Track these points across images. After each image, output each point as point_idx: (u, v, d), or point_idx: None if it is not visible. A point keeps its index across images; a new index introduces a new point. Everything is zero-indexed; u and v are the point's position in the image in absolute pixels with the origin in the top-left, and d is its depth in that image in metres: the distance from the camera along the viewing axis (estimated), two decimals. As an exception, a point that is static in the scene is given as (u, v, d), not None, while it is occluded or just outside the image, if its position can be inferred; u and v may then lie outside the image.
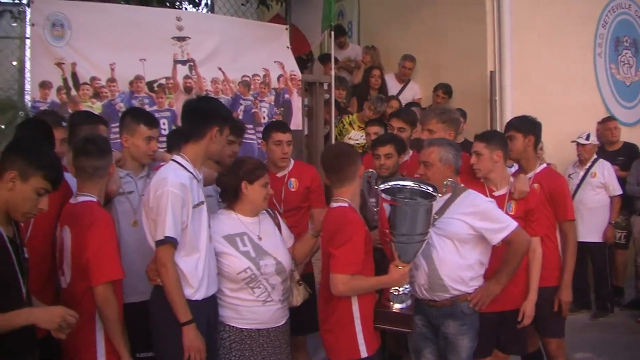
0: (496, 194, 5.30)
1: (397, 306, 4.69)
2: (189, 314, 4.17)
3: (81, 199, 4.31)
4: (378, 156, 6.25)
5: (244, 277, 4.55)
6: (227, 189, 4.79)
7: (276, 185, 5.79)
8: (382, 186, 4.61)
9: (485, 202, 4.93)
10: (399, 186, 4.73)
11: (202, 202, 4.38)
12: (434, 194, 4.60)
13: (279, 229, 4.94)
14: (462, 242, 4.83)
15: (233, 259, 4.56)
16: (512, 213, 5.22)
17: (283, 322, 4.78)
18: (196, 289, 4.29)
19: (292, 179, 5.96)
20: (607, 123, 9.45)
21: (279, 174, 5.93)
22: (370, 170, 4.86)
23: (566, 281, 5.63)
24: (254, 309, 4.60)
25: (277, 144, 5.84)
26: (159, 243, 4.16)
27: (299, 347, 5.87)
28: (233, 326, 4.58)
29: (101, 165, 4.36)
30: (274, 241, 4.77)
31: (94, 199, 4.33)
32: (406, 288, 4.74)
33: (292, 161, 6.08)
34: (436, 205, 4.79)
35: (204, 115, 4.44)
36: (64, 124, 5.20)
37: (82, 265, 4.11)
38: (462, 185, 5.01)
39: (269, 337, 4.67)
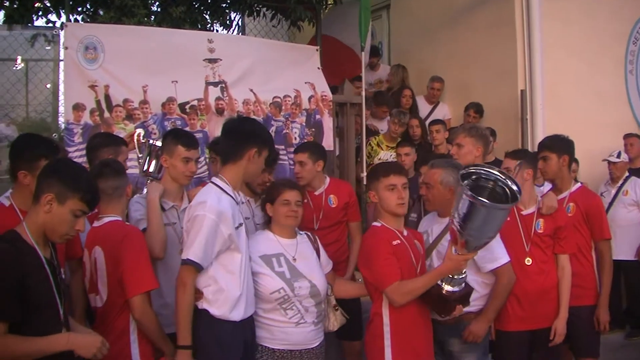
0: (524, 212, 5.31)
1: (447, 288, 4.36)
2: (189, 340, 4.18)
3: (106, 219, 4.42)
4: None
5: (277, 297, 4.56)
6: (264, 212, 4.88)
7: (316, 202, 5.99)
8: (463, 170, 4.21)
9: None
10: (483, 173, 4.24)
11: (241, 224, 4.41)
12: (517, 194, 4.10)
13: (318, 254, 4.95)
14: None
15: (268, 278, 4.58)
16: (541, 231, 5.25)
17: (317, 344, 4.77)
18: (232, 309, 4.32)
19: (332, 196, 6.12)
20: (625, 139, 9.30)
21: (317, 192, 6.09)
22: None
23: (603, 300, 5.63)
24: (287, 330, 4.60)
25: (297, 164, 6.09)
26: (183, 262, 4.21)
27: (353, 353, 6.07)
28: (265, 346, 4.60)
29: (119, 184, 4.48)
30: (310, 264, 4.77)
31: (119, 219, 4.45)
32: (462, 273, 4.39)
33: (328, 178, 6.24)
34: (438, 228, 4.79)
35: (242, 135, 4.46)
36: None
37: (118, 279, 4.18)
38: None
39: (301, 359, 4.67)
